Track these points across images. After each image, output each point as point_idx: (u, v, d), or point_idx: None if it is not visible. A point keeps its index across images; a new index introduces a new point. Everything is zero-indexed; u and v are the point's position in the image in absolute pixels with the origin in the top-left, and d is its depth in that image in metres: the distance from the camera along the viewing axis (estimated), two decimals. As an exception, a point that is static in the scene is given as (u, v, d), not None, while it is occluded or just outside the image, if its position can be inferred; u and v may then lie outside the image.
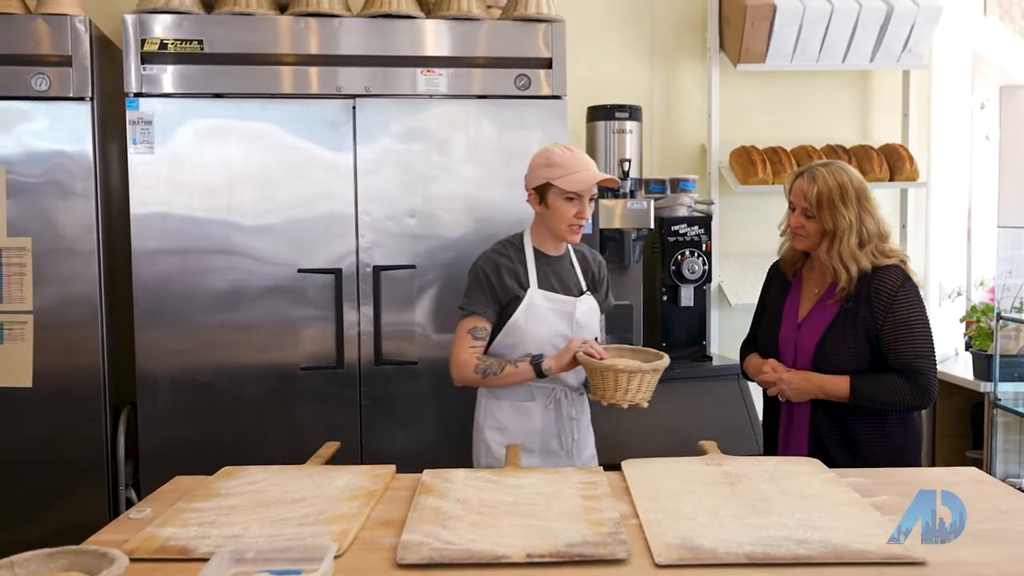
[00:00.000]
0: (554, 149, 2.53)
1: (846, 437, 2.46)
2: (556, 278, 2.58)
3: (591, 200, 2.52)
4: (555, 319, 2.55)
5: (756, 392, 3.29)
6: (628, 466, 2.18)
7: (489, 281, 2.52)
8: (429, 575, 1.56)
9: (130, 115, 3.04)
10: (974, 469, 2.28)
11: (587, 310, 2.60)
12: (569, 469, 2.22)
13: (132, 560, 1.52)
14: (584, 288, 2.63)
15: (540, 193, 2.51)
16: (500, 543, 1.66)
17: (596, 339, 2.61)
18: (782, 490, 1.96)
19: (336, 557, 1.61)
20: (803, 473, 2.11)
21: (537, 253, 2.58)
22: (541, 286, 2.55)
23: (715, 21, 3.97)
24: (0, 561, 1.42)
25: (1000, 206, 5.42)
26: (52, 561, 1.45)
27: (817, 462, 2.23)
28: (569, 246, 2.64)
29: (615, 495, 1.96)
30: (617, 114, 3.55)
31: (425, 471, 2.20)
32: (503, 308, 2.54)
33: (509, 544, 1.65)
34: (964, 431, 4.34)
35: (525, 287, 2.54)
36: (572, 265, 2.63)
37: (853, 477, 2.08)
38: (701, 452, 2.34)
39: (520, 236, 2.62)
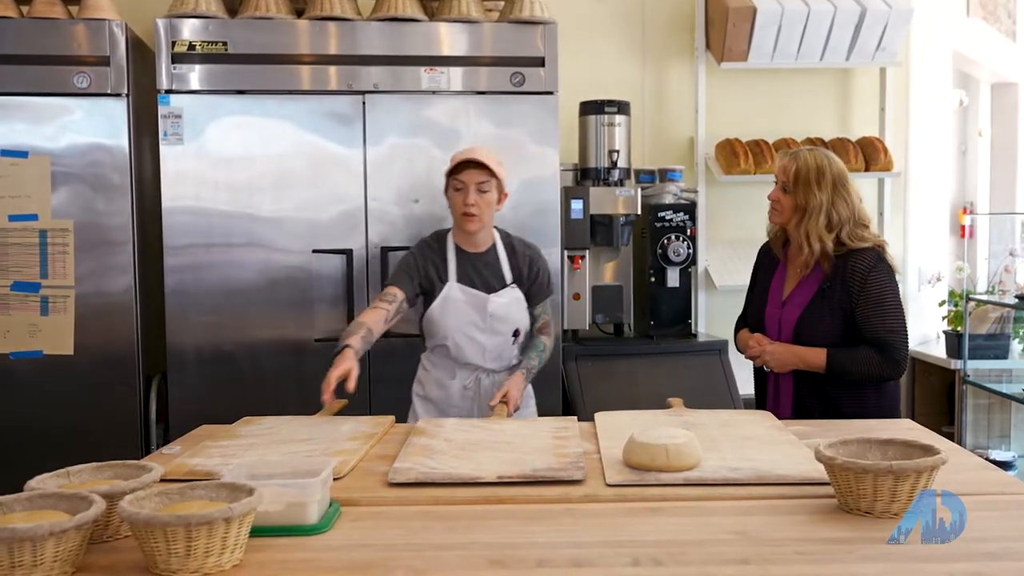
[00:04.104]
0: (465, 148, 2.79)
1: (827, 404, 2.64)
2: (476, 273, 2.75)
3: (481, 192, 2.67)
4: (468, 311, 2.72)
5: (737, 365, 3.55)
6: (600, 416, 2.45)
7: (416, 265, 2.73)
8: (415, 492, 1.84)
9: (161, 110, 3.34)
10: (908, 420, 2.55)
11: (506, 303, 2.75)
12: (547, 418, 2.51)
13: (164, 481, 1.82)
14: (508, 281, 2.78)
15: (446, 188, 2.75)
16: (477, 468, 1.94)
17: (517, 331, 2.78)
18: (728, 434, 2.22)
19: (337, 479, 1.90)
20: (752, 422, 2.37)
21: (458, 250, 2.77)
22: (460, 280, 2.74)
23: (701, 23, 4.22)
24: (59, 471, 1.72)
25: (992, 197, 5.64)
26: (100, 473, 1.74)
27: (769, 414, 2.49)
28: (499, 241, 2.81)
29: (584, 438, 2.23)
30: (606, 108, 3.82)
31: (421, 419, 2.50)
32: (423, 292, 2.75)
33: (485, 469, 1.93)
34: (942, 409, 4.57)
35: (444, 280, 2.73)
36: (498, 260, 2.79)
37: (797, 426, 2.34)
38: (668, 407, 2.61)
39: (446, 232, 2.81)
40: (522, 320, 2.79)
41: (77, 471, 1.72)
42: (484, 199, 2.68)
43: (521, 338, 2.81)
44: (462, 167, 2.68)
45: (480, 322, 2.72)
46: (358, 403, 3.28)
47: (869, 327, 2.59)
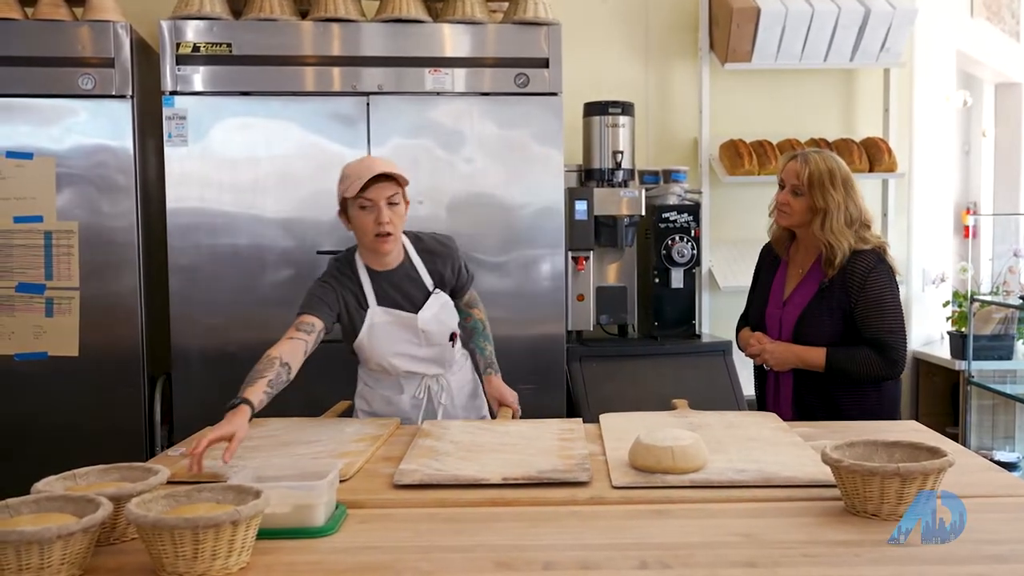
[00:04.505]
0: (347, 164, 2.52)
1: (827, 402, 2.66)
2: (396, 291, 2.55)
3: (392, 205, 2.44)
4: (399, 332, 2.54)
5: (741, 367, 3.55)
6: (605, 418, 2.45)
7: (335, 293, 2.49)
8: (420, 494, 1.84)
9: (166, 111, 3.34)
10: (913, 422, 2.56)
11: (435, 314, 2.57)
12: (552, 420, 2.50)
13: (170, 483, 1.82)
14: (431, 289, 2.58)
15: (344, 212, 2.51)
16: (482, 470, 1.94)
17: (453, 334, 2.63)
18: (734, 435, 2.22)
19: (343, 481, 1.89)
20: (757, 423, 2.37)
21: (370, 271, 2.54)
22: (381, 303, 2.53)
23: (705, 23, 4.22)
24: (65, 473, 1.72)
25: (996, 197, 5.64)
26: (107, 475, 1.75)
27: (773, 415, 2.49)
28: (411, 249, 2.59)
29: (589, 439, 2.23)
30: (611, 109, 3.81)
31: (426, 421, 2.50)
32: (341, 322, 2.53)
33: (490, 471, 1.93)
34: (946, 409, 4.56)
35: (365, 307, 2.53)
36: (414, 270, 2.58)
37: (802, 428, 2.34)
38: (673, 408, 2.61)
39: (352, 255, 2.58)
40: (454, 321, 2.65)
41: (84, 473, 1.72)
42: (396, 213, 2.45)
43: (458, 338, 2.69)
44: (369, 183, 2.42)
45: (414, 339, 2.56)
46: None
47: (868, 327, 2.61)
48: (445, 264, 2.61)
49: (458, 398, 2.70)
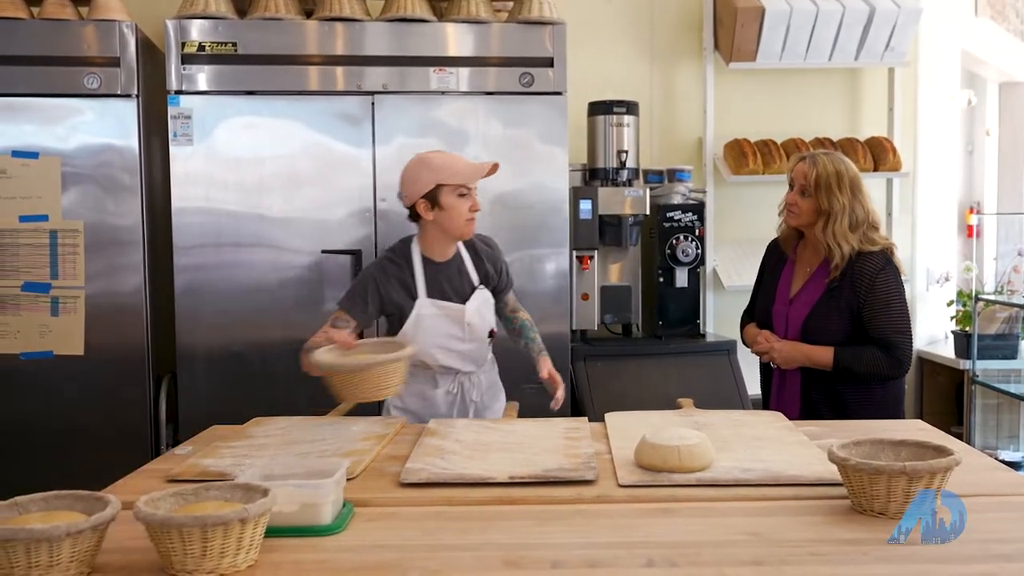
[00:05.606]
0: (428, 155, 2.58)
1: (833, 398, 2.69)
2: (447, 283, 2.61)
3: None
4: (445, 324, 2.59)
5: (745, 365, 3.56)
6: (610, 417, 2.45)
7: (376, 288, 2.55)
8: (426, 492, 1.84)
9: (171, 111, 3.35)
10: (919, 421, 2.56)
11: (478, 307, 2.64)
12: (558, 419, 2.51)
13: (177, 482, 1.83)
14: (477, 284, 2.66)
15: (431, 199, 2.52)
16: (488, 468, 1.94)
17: (492, 331, 2.71)
18: (740, 434, 2.22)
19: (349, 479, 1.90)
20: (763, 422, 2.37)
21: (426, 261, 2.61)
22: (431, 295, 2.58)
23: (710, 23, 4.23)
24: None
25: (1000, 197, 5.64)
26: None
27: (779, 414, 2.49)
28: (460, 245, 2.66)
29: (595, 438, 2.23)
30: (615, 109, 3.82)
31: (432, 420, 2.50)
32: (385, 315, 2.61)
33: (496, 469, 1.93)
34: (950, 409, 4.56)
35: (414, 296, 2.57)
36: (463, 265, 2.66)
37: (808, 427, 2.34)
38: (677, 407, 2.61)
39: (407, 246, 2.64)
40: (492, 320, 2.71)
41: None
42: None
43: (495, 336, 2.73)
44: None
45: (459, 332, 2.61)
46: (366, 404, 3.29)
47: (876, 327, 2.64)
48: (489, 261, 2.70)
49: (487, 397, 2.74)
